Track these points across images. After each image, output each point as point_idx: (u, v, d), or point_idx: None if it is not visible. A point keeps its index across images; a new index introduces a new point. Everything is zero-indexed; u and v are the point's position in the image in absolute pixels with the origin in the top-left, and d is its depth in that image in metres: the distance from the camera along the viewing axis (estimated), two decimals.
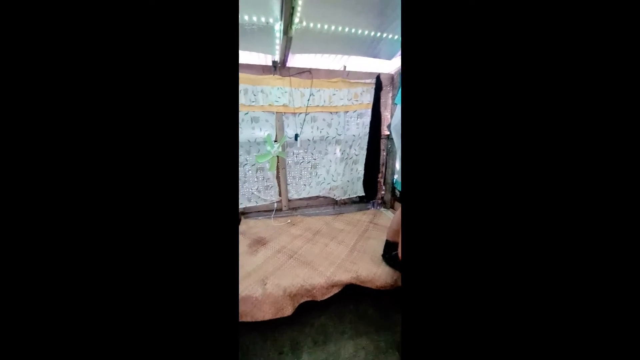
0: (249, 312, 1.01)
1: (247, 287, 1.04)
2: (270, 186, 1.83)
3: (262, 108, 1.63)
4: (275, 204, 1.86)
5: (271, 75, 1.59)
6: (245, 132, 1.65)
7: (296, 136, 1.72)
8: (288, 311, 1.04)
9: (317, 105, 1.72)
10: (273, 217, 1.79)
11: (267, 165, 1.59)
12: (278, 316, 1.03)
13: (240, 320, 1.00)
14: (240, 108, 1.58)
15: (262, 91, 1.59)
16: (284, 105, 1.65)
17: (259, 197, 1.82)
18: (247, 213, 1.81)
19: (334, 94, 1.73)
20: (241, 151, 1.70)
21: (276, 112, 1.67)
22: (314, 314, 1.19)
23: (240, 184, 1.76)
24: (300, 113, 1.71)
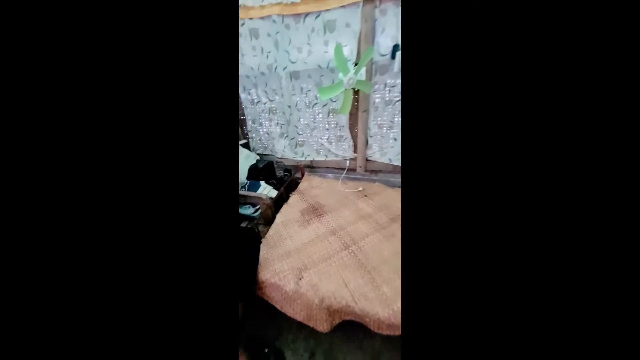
0: (278, 301, 0.80)
1: (279, 273, 0.80)
2: (344, 137, 1.34)
3: None
4: (348, 161, 1.39)
5: None
6: (316, 52, 1.11)
7: (394, 50, 0.97)
8: (323, 326, 0.73)
9: None
10: (342, 179, 1.37)
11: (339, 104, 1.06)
12: (311, 325, 0.75)
13: (269, 301, 0.82)
14: (306, 7, 1.01)
15: None
16: None
17: (329, 151, 1.40)
18: (314, 167, 1.50)
19: None
20: (309, 84, 1.23)
21: (362, 3, 0.95)
22: (366, 331, 0.83)
23: (308, 131, 1.39)
24: None
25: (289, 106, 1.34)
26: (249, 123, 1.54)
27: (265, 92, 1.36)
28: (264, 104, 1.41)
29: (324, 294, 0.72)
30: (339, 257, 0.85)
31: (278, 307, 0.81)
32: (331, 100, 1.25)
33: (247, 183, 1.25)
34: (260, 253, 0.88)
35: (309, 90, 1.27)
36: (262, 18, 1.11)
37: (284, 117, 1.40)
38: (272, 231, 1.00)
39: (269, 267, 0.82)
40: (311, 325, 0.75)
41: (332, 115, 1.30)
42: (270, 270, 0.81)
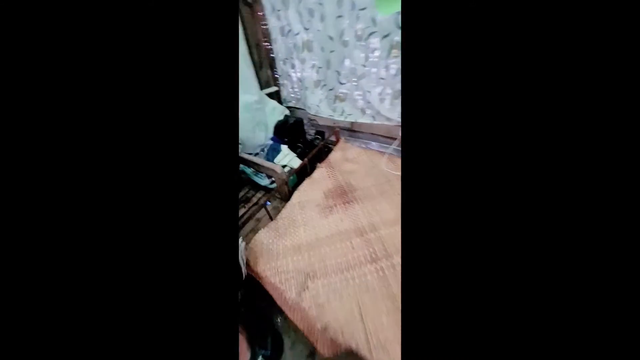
0: (277, 299, 0.68)
1: (281, 273, 0.64)
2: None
3: None
4: None
5: None
6: None
7: None
8: (324, 350, 0.59)
9: None
10: (390, 153, 1.00)
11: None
12: (311, 341, 0.62)
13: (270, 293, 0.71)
14: None
15: None
16: None
17: (379, 112, 1.00)
18: (354, 132, 1.15)
19: None
20: (365, 3, 0.76)
21: None
22: None
23: (354, 80, 0.99)
24: None
25: (331, 37, 0.92)
26: (280, 64, 1.20)
27: (299, 14, 0.95)
28: (297, 34, 1.01)
29: (329, 322, 0.54)
30: (360, 271, 0.62)
31: (278, 304, 0.69)
32: (398, 25, 0.77)
33: (268, 145, 1.04)
34: (266, 239, 0.73)
35: (363, 9, 0.80)
36: None
37: (323, 55, 1.00)
38: (285, 212, 0.82)
39: (272, 261, 0.67)
40: (311, 342, 0.62)
41: (392, 57, 0.84)
42: (272, 265, 0.67)
